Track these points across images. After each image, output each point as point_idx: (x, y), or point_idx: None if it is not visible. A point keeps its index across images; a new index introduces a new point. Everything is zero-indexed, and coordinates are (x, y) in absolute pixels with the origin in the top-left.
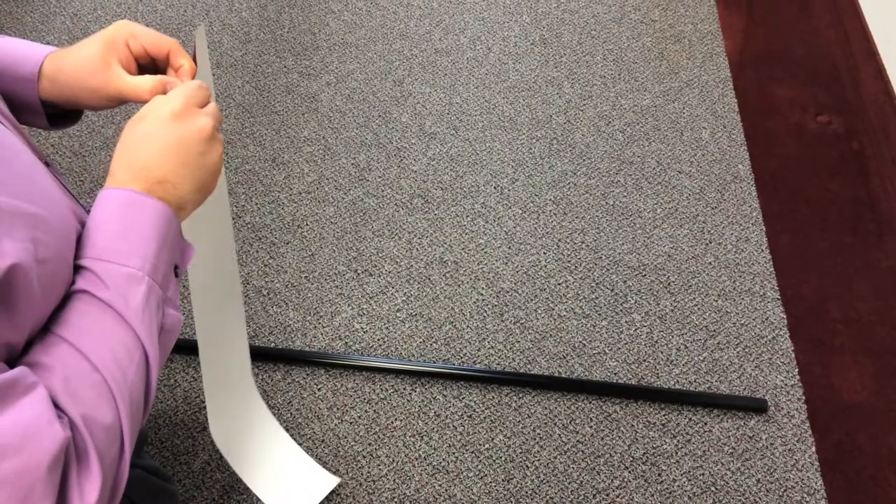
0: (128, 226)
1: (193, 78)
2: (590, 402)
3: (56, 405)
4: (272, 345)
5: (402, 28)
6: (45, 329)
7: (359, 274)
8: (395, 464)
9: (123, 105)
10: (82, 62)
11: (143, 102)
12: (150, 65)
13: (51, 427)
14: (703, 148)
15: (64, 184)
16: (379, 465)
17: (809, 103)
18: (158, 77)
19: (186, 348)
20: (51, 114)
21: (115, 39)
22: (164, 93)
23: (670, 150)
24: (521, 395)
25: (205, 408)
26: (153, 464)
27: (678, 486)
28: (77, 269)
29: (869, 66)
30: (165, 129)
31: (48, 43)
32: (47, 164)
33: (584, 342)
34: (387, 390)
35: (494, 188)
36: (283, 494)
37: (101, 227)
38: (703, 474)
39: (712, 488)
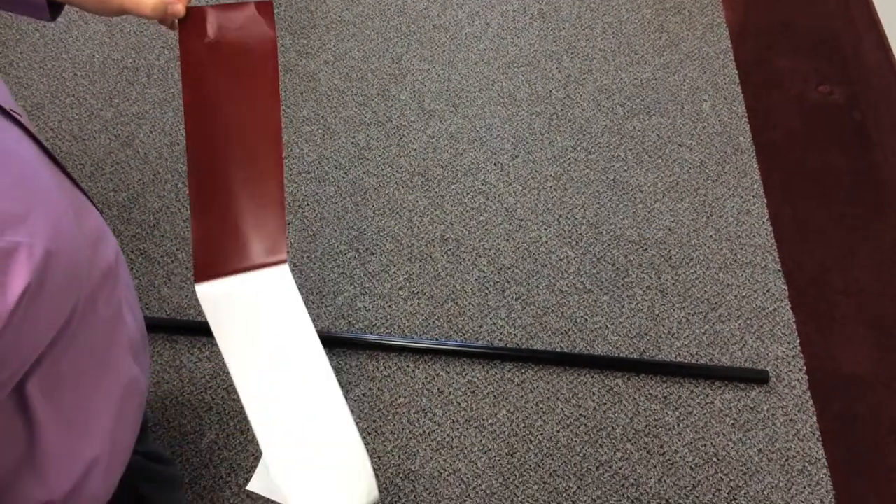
0: None
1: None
2: (592, 377)
3: None
4: None
5: (400, 4)
6: None
7: (360, 253)
8: (399, 440)
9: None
10: None
11: (143, 17)
12: None
13: None
14: (703, 120)
15: (77, 183)
16: (384, 442)
17: (810, 74)
18: None
19: (191, 329)
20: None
21: None
22: (166, 13)
23: (671, 123)
24: (523, 371)
25: (210, 387)
26: (155, 449)
27: (680, 457)
28: None
29: (870, 35)
30: None
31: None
32: (61, 167)
33: (585, 317)
34: (390, 368)
35: (494, 165)
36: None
37: None
38: (704, 445)
39: (714, 459)
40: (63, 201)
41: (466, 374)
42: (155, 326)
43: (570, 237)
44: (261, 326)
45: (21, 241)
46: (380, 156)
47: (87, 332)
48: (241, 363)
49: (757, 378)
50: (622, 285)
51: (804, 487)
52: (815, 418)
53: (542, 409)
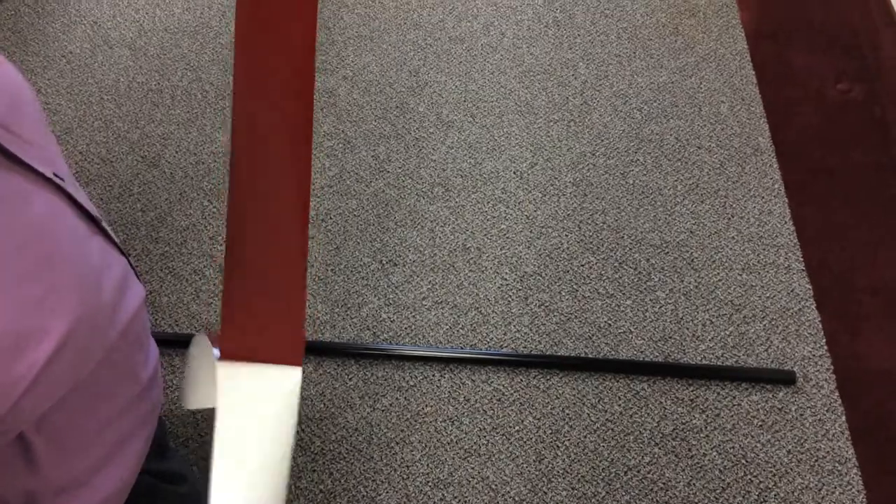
0: None
1: None
2: (617, 381)
3: None
4: None
5: (416, 18)
6: None
7: (384, 265)
8: (427, 448)
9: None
10: None
11: None
12: None
13: None
14: (721, 122)
15: (111, 235)
16: (412, 451)
17: (828, 71)
18: None
19: None
20: None
21: None
22: None
23: (689, 125)
24: (548, 377)
25: None
26: (172, 468)
27: (708, 459)
28: None
29: (888, 30)
30: None
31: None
32: (93, 220)
33: (609, 322)
34: (416, 377)
35: (514, 173)
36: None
37: None
38: (733, 447)
39: (743, 461)
40: (88, 271)
41: (492, 382)
42: (185, 343)
43: (592, 243)
44: (256, 417)
45: (45, 322)
46: (400, 168)
47: (97, 376)
48: (227, 441)
49: (784, 379)
50: (645, 289)
51: (835, 488)
52: (843, 417)
53: (568, 414)
